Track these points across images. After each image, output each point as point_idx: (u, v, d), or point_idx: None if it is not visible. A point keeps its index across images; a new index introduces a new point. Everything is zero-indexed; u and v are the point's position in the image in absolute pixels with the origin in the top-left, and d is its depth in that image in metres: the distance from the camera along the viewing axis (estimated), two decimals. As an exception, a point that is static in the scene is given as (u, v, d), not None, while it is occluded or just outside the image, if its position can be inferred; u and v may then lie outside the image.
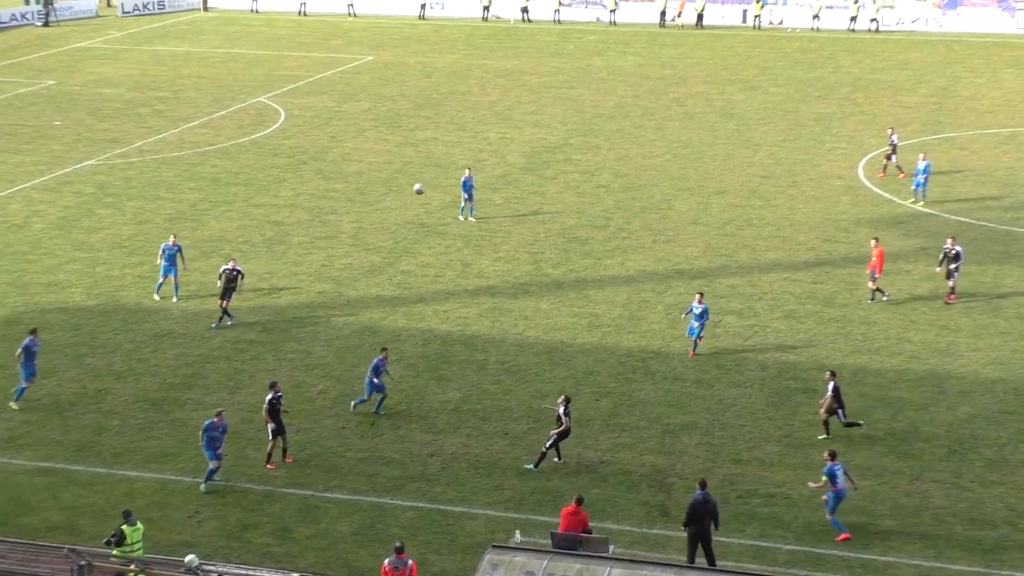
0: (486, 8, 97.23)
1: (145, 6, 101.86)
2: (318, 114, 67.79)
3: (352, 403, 34.80)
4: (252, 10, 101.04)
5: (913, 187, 51.67)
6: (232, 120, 66.71)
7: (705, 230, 48.88)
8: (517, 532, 26.68)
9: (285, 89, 73.73)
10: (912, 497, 30.10)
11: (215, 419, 30.76)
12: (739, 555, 27.88)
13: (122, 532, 26.21)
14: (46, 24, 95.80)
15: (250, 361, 37.83)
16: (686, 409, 34.50)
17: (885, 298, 41.56)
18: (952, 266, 41.39)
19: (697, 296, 38.29)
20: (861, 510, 29.48)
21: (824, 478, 28.68)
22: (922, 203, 51.02)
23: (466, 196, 50.09)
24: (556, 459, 32.03)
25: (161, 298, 42.42)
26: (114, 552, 26.20)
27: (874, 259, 41.48)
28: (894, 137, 55.08)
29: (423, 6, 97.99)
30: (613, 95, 71.86)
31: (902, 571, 27.28)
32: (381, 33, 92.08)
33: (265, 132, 64.14)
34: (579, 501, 26.97)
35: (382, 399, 34.76)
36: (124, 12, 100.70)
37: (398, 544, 25.11)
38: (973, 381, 35.92)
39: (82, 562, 24.82)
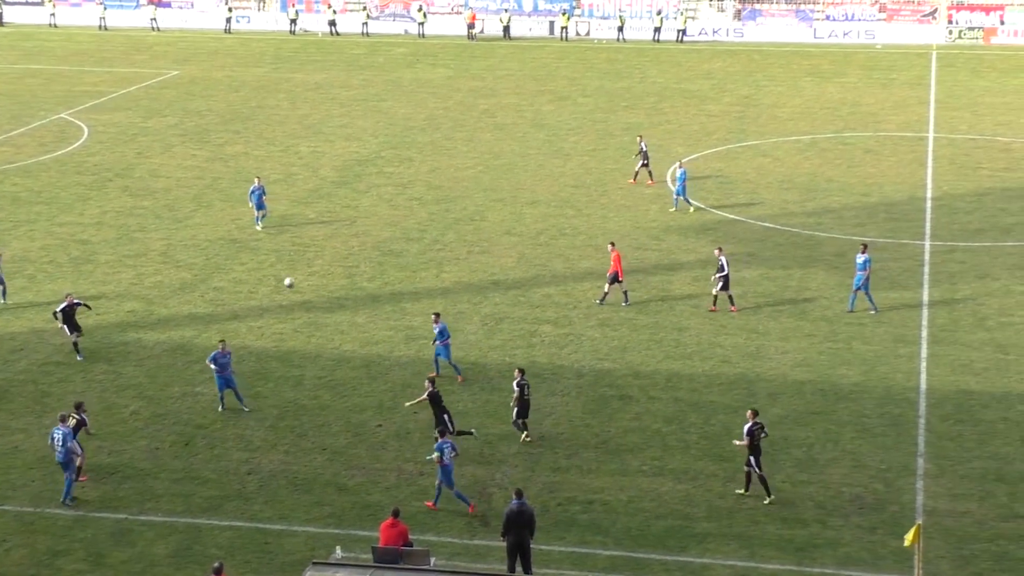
0: (293, 21, 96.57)
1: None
2: (123, 130, 66.44)
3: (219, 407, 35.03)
4: (50, 24, 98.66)
5: (674, 196, 52.77)
6: (32, 137, 64.96)
7: (519, 240, 49.23)
8: (338, 548, 26.51)
9: (88, 105, 72.11)
10: (726, 499, 30.70)
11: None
12: (560, 562, 28.11)
13: None
14: None
15: (57, 384, 36.83)
16: (504, 419, 34.60)
17: (625, 304, 42.28)
18: (717, 275, 41.89)
19: (433, 316, 37.77)
20: (677, 513, 30.00)
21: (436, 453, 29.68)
22: (674, 210, 52.15)
23: (253, 205, 50.03)
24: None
25: None
26: None
27: (612, 264, 42.16)
28: (643, 144, 56.43)
29: (228, 20, 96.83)
30: (424, 107, 71.97)
31: (718, 572, 27.81)
32: (186, 47, 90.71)
33: (68, 149, 62.60)
34: (395, 513, 26.88)
35: (237, 394, 35.01)
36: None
37: (216, 565, 24.67)
38: (781, 383, 36.83)
39: None
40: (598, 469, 32.13)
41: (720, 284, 41.74)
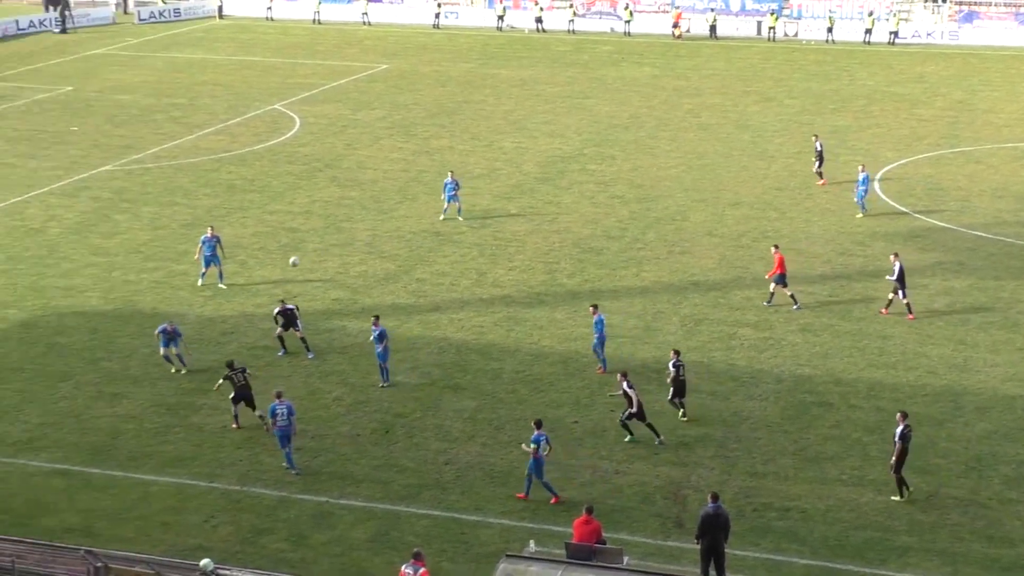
0: (500, 18, 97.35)
1: (161, 14, 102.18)
2: (333, 122, 67.90)
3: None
4: (267, 18, 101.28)
5: (856, 200, 51.93)
6: (247, 127, 66.85)
7: (720, 241, 48.87)
8: (531, 541, 26.72)
9: (300, 97, 73.88)
10: (928, 513, 30.01)
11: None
12: (754, 568, 27.83)
13: None
14: (63, 31, 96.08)
15: (265, 367, 37.86)
16: (701, 421, 34.45)
17: (767, 304, 42.18)
18: (892, 279, 41.28)
19: (592, 308, 38.38)
20: (877, 525, 29.44)
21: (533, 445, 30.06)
22: (860, 215, 51.29)
23: (447, 198, 50.90)
24: (627, 438, 33.31)
25: (204, 285, 43.65)
26: None
27: (776, 266, 42.07)
28: (819, 144, 55.95)
29: (437, 15, 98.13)
30: (628, 106, 71.90)
31: (918, 585, 27.25)
32: (396, 42, 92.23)
33: (280, 139, 64.25)
34: (589, 510, 26.93)
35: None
36: (140, 19, 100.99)
37: (416, 551, 25.12)
38: (991, 397, 35.81)
39: (98, 564, 24.86)
40: (795, 476, 31.71)
41: (896, 289, 41.06)
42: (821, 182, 55.72)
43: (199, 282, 43.94)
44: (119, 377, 37.16)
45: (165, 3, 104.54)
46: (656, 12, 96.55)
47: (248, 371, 34.66)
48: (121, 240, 48.78)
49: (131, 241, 48.59)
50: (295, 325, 38.77)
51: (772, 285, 42.41)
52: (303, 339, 38.92)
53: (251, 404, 34.09)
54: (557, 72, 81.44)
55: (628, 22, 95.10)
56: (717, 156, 61.01)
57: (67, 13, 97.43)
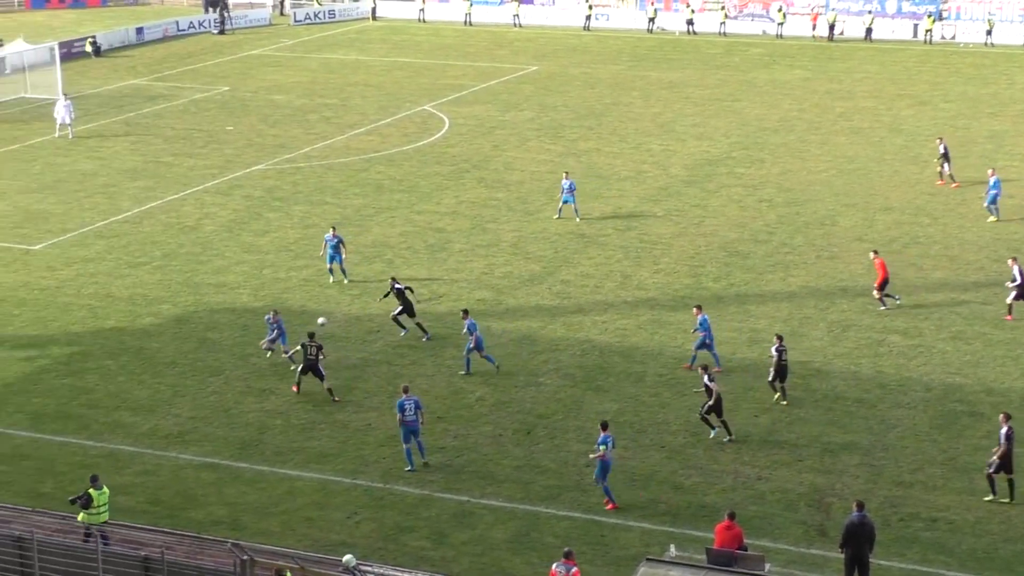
0: (651, 20, 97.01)
1: (316, 15, 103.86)
2: (481, 123, 68.32)
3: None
4: (419, 20, 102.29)
5: (985, 204, 51.17)
6: (397, 128, 67.60)
7: (870, 247, 47.93)
8: (672, 546, 26.59)
9: (450, 98, 74.47)
10: (1082, 527, 29.21)
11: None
12: (899, 579, 27.39)
13: (88, 495, 27.21)
14: (221, 32, 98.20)
15: (409, 366, 38.25)
16: (847, 428, 33.96)
17: (897, 301, 42.12)
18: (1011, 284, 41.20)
19: (695, 308, 38.58)
20: (1027, 538, 28.75)
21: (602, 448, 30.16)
22: (994, 219, 50.60)
23: (563, 199, 51.21)
24: (711, 433, 33.42)
25: (334, 282, 44.48)
26: (80, 516, 27.23)
27: (879, 272, 42.10)
28: (943, 146, 55.47)
29: (588, 17, 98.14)
30: (778, 109, 71.13)
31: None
32: (546, 44, 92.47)
33: (429, 140, 64.84)
34: (731, 516, 26.72)
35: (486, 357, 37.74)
36: (296, 21, 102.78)
37: (567, 550, 25.22)
38: None
39: (244, 557, 25.32)
40: (944, 486, 31.07)
41: (1015, 294, 40.70)
42: (940, 183, 55.28)
43: (329, 279, 44.78)
44: (267, 373, 37.85)
45: (320, 5, 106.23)
46: (809, 14, 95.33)
47: (323, 348, 36.35)
48: (272, 238, 49.69)
49: (281, 239, 49.47)
50: (411, 310, 39.95)
51: (876, 292, 42.13)
52: (419, 324, 40.23)
53: (319, 375, 36.04)
54: (707, 74, 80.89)
55: (781, 24, 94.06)
56: (868, 160, 60.03)
57: (226, 15, 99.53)
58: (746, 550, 26.18)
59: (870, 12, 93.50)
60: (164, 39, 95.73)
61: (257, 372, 37.92)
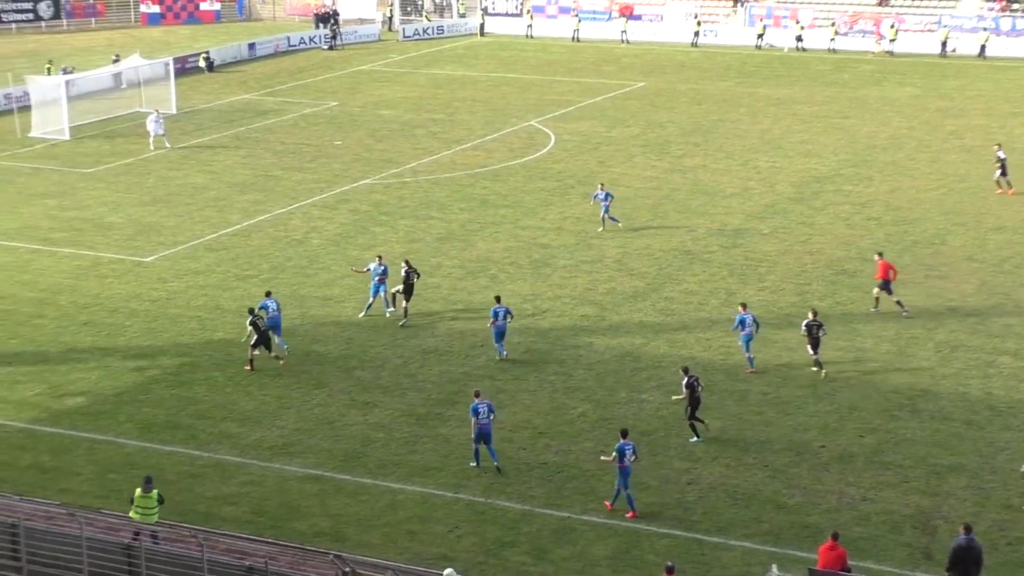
0: (760, 36, 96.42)
1: (425, 31, 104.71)
2: (587, 139, 68.36)
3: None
4: (527, 36, 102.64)
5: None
6: (503, 143, 67.88)
7: (980, 267, 47.35)
8: (774, 566, 26.34)
9: (556, 113, 74.62)
10: None
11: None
12: (1006, 605, 26.90)
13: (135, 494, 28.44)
14: (331, 48, 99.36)
15: (511, 381, 38.36)
16: (954, 450, 33.44)
17: (904, 313, 42.46)
18: None
19: (740, 307, 39.67)
20: None
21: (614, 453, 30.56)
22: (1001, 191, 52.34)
23: (603, 208, 52.19)
24: (693, 439, 34.40)
25: (367, 316, 43.42)
26: (132, 514, 28.38)
27: (879, 272, 42.94)
28: (1000, 153, 56.86)
29: (696, 33, 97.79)
30: (888, 126, 70.32)
31: None
32: (653, 60, 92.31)
33: (535, 155, 65.02)
34: (835, 536, 26.44)
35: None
36: (404, 37, 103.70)
37: (669, 564, 25.47)
38: None
39: (346, 568, 25.57)
40: (1054, 512, 30.50)
41: None
42: (1000, 191, 56.16)
43: (360, 315, 43.55)
44: (371, 387, 38.18)
45: (429, 21, 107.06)
46: (922, 31, 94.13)
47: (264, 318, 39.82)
48: (378, 252, 49.94)
49: (387, 253, 49.69)
50: (410, 293, 42.81)
51: (876, 290, 42.92)
52: (406, 309, 42.86)
53: (268, 347, 39.18)
54: (816, 91, 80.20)
55: (893, 40, 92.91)
56: (979, 179, 59.08)
57: (337, 29, 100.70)
58: (850, 572, 25.90)
59: (984, 29, 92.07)
60: (275, 54, 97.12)
61: (361, 385, 38.26)
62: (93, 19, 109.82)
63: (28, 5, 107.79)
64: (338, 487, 32.42)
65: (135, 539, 27.54)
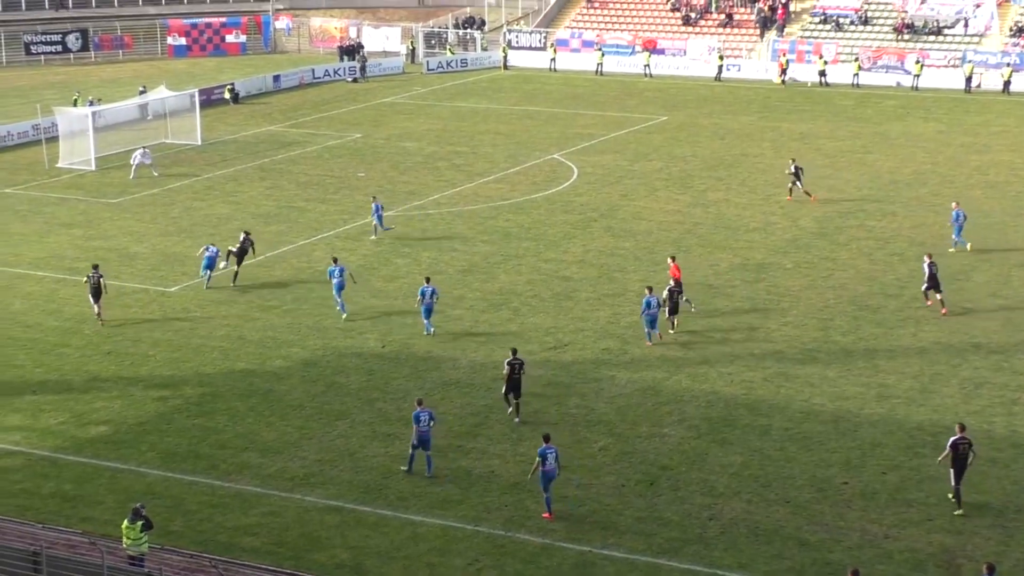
0: (783, 71, 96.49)
1: (448, 64, 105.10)
2: (610, 172, 68.46)
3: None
4: (550, 69, 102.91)
5: (953, 237, 53.76)
6: (526, 176, 68.01)
7: (1005, 303, 47.19)
8: (795, 603, 26.24)
9: (579, 147, 74.77)
10: None
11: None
12: (1030, 645, 26.70)
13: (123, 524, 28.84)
14: (355, 80, 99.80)
15: (532, 414, 38.31)
16: (978, 488, 33.23)
17: (694, 310, 45.80)
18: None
19: (647, 290, 44.11)
20: None
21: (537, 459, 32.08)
22: (953, 250, 53.39)
23: (375, 221, 56.52)
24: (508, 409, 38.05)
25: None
26: (124, 542, 28.69)
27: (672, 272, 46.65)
28: (794, 166, 62.25)
29: (719, 68, 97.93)
30: (911, 162, 70.25)
31: None
32: (676, 94, 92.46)
33: (557, 188, 65.12)
34: (856, 574, 26.30)
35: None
36: (428, 69, 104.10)
37: None
38: None
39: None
40: (1078, 551, 30.29)
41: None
42: (788, 197, 61.51)
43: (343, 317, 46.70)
44: (392, 418, 38.18)
45: (453, 54, 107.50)
46: (947, 66, 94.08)
47: (102, 275, 46.46)
48: (400, 284, 50.18)
49: (409, 285, 49.84)
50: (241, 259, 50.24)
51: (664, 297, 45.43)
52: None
53: (99, 300, 45.78)
54: (839, 126, 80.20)
55: (917, 76, 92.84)
56: (1004, 215, 58.98)
57: (364, 63, 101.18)
58: (871, 610, 25.76)
59: (1008, 65, 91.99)
60: (300, 86, 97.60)
61: (383, 417, 38.28)
62: (120, 51, 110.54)
63: (57, 37, 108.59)
64: (359, 519, 32.41)
65: (131, 565, 28.01)
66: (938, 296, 46.03)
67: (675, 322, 44.58)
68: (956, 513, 32.01)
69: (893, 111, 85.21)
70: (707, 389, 39.84)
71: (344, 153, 74.22)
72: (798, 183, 61.25)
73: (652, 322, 43.52)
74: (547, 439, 32.64)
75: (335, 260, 47.80)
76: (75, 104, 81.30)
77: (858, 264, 52.11)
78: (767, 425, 37.42)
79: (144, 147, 70.04)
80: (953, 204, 55.13)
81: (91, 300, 46.26)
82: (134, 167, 68.00)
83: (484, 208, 61.34)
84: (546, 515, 32.19)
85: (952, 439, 32.20)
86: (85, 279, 46.72)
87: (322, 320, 46.35)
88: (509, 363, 37.91)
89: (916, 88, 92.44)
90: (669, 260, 47.75)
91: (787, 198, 61.33)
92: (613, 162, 70.79)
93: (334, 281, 46.79)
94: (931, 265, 46.34)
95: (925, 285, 46.46)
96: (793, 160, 63.32)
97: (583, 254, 53.97)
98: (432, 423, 34.49)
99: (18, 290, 50.13)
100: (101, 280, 46.44)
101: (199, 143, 75.76)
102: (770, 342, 43.74)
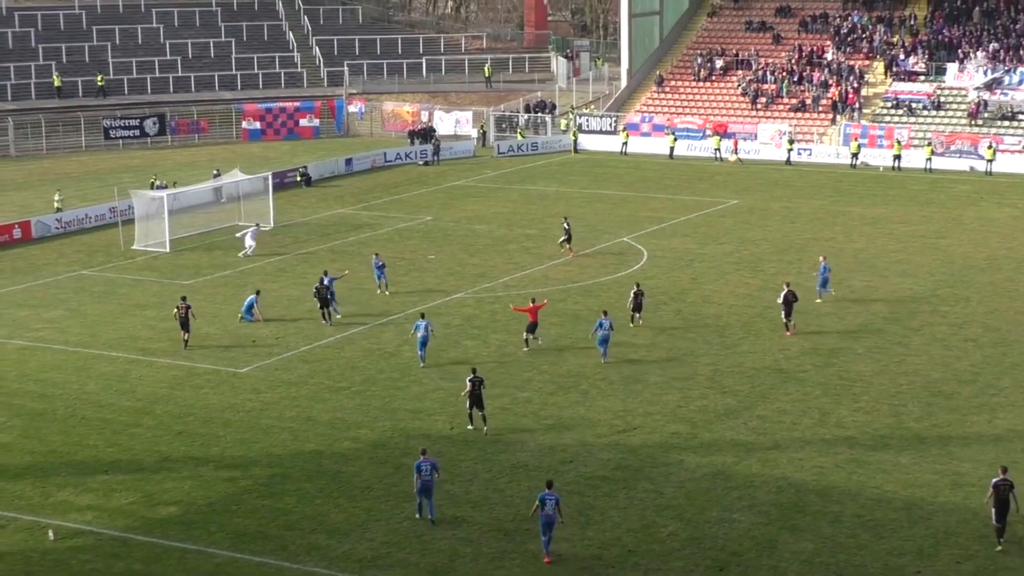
0: (855, 155, 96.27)
1: (519, 148, 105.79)
2: (680, 255, 68.41)
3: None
4: (621, 153, 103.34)
5: (817, 288, 57.80)
6: (595, 259, 68.11)
7: (1081, 390, 46.49)
8: None
9: (649, 230, 74.83)
10: None
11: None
12: None
13: None
14: (427, 163, 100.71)
15: (601, 498, 38.10)
16: None
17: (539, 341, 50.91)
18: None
19: (602, 313, 49.56)
20: None
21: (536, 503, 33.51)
22: (819, 300, 58.00)
23: (377, 276, 61.24)
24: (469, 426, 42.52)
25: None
26: None
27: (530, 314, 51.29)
28: (567, 224, 69.02)
29: (789, 151, 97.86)
30: (985, 247, 69.67)
31: None
32: (747, 177, 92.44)
33: (627, 272, 65.10)
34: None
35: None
36: (499, 153, 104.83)
37: None
38: None
39: None
40: None
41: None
42: (565, 252, 67.84)
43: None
44: (460, 501, 38.10)
45: (523, 138, 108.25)
46: (1020, 151, 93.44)
47: (190, 306, 52.43)
48: (469, 367, 50.09)
49: (479, 368, 49.94)
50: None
51: (525, 334, 51.43)
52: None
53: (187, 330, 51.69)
54: (911, 211, 79.77)
55: (991, 161, 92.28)
56: (1080, 300, 58.26)
57: (438, 146, 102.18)
58: None
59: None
60: (372, 169, 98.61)
61: (450, 499, 38.20)
62: (196, 135, 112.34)
63: (135, 122, 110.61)
64: (425, 602, 32.29)
65: None
66: None
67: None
68: (997, 550, 33.13)
69: (967, 196, 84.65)
70: (777, 474, 39.46)
71: (414, 235, 74.76)
72: (566, 242, 68.25)
73: (604, 342, 49.25)
74: (550, 485, 34.53)
75: (422, 315, 50.96)
76: (152, 187, 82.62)
77: (931, 350, 51.58)
78: (839, 512, 36.95)
79: (258, 223, 72.63)
80: (822, 258, 60.01)
81: (180, 329, 52.35)
82: (249, 248, 69.58)
83: (553, 291, 61.39)
84: (546, 560, 33.66)
85: (994, 480, 34.48)
86: (174, 310, 52.86)
87: (391, 401, 46.48)
88: (470, 380, 42.82)
89: (990, 173, 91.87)
90: (531, 302, 53.04)
91: (566, 252, 67.87)
92: (683, 245, 70.77)
93: (419, 335, 49.59)
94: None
95: None
96: (566, 218, 69.97)
97: (653, 337, 53.82)
98: (435, 473, 36.24)
99: (93, 370, 50.74)
100: (189, 311, 52.49)
101: (271, 225, 76.64)
102: (842, 427, 43.30)
